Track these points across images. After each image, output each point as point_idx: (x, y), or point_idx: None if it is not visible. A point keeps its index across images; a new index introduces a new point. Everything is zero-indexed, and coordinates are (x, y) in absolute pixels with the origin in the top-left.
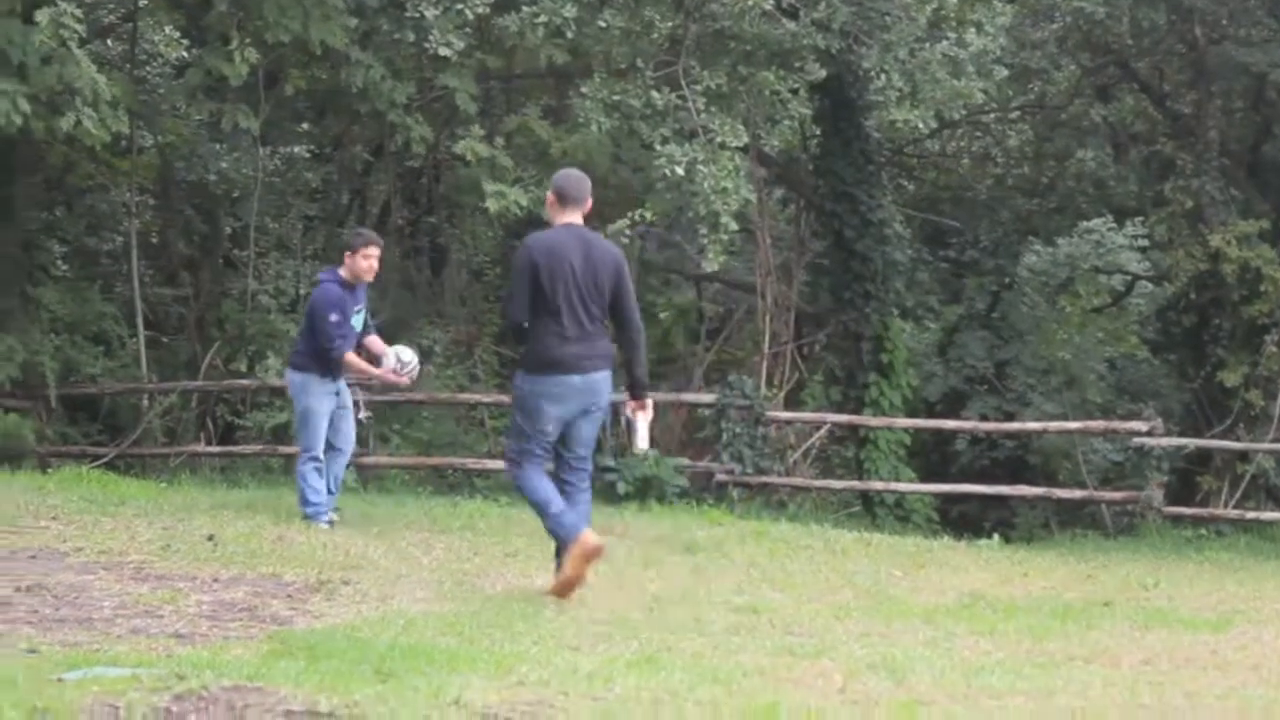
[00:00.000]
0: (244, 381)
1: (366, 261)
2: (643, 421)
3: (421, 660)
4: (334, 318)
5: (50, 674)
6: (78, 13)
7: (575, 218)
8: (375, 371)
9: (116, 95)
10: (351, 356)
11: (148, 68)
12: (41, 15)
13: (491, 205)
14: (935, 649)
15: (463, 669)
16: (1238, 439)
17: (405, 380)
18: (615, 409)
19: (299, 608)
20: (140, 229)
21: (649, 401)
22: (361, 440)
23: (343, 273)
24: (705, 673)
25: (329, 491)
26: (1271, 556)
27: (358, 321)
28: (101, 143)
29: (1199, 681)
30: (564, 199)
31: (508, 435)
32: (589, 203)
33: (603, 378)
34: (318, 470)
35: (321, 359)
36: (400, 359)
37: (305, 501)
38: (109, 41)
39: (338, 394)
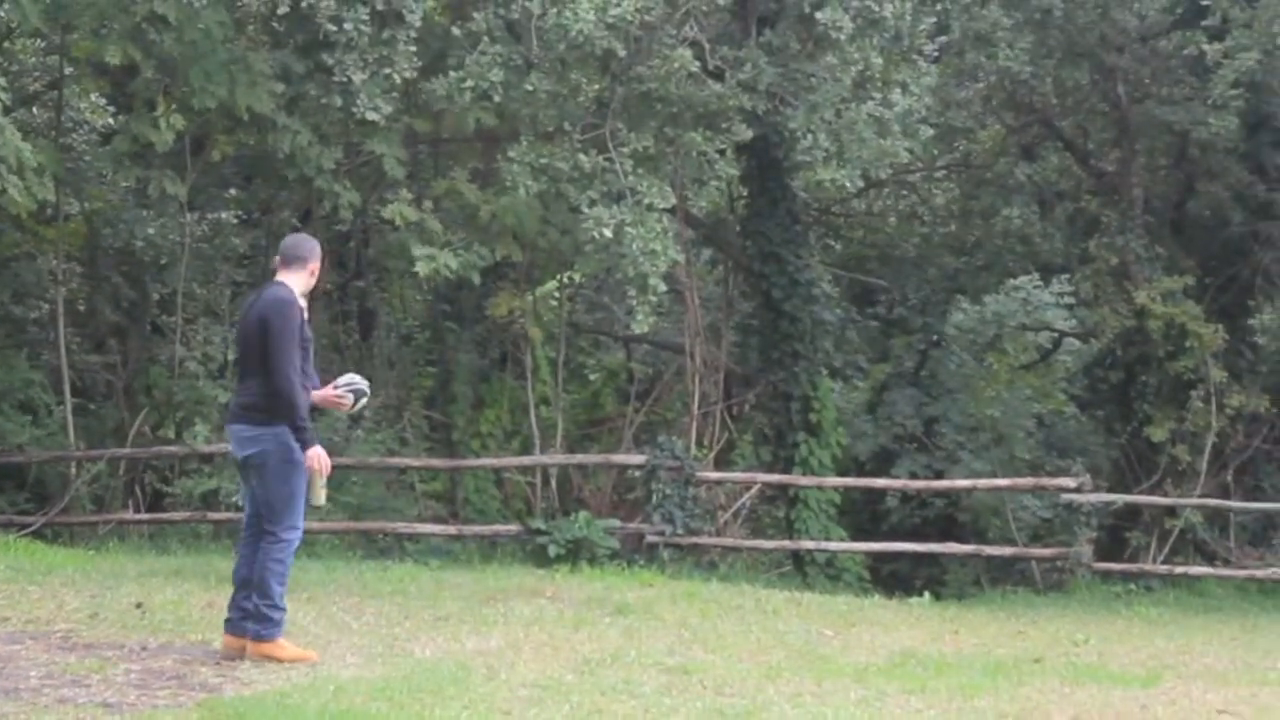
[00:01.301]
0: (172, 448)
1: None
2: (314, 475)
3: None
4: None
5: None
6: (2, 81)
7: (288, 276)
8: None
9: (42, 163)
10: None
11: (74, 135)
12: None
13: (421, 269)
14: (866, 708)
15: None
16: (1165, 494)
17: (346, 401)
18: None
19: (228, 675)
20: (67, 296)
21: (310, 454)
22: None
23: None
24: None
25: None
26: (1200, 611)
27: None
28: (27, 210)
29: None
30: (281, 259)
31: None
32: (309, 263)
33: (240, 429)
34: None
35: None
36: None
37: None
38: (34, 109)
39: None
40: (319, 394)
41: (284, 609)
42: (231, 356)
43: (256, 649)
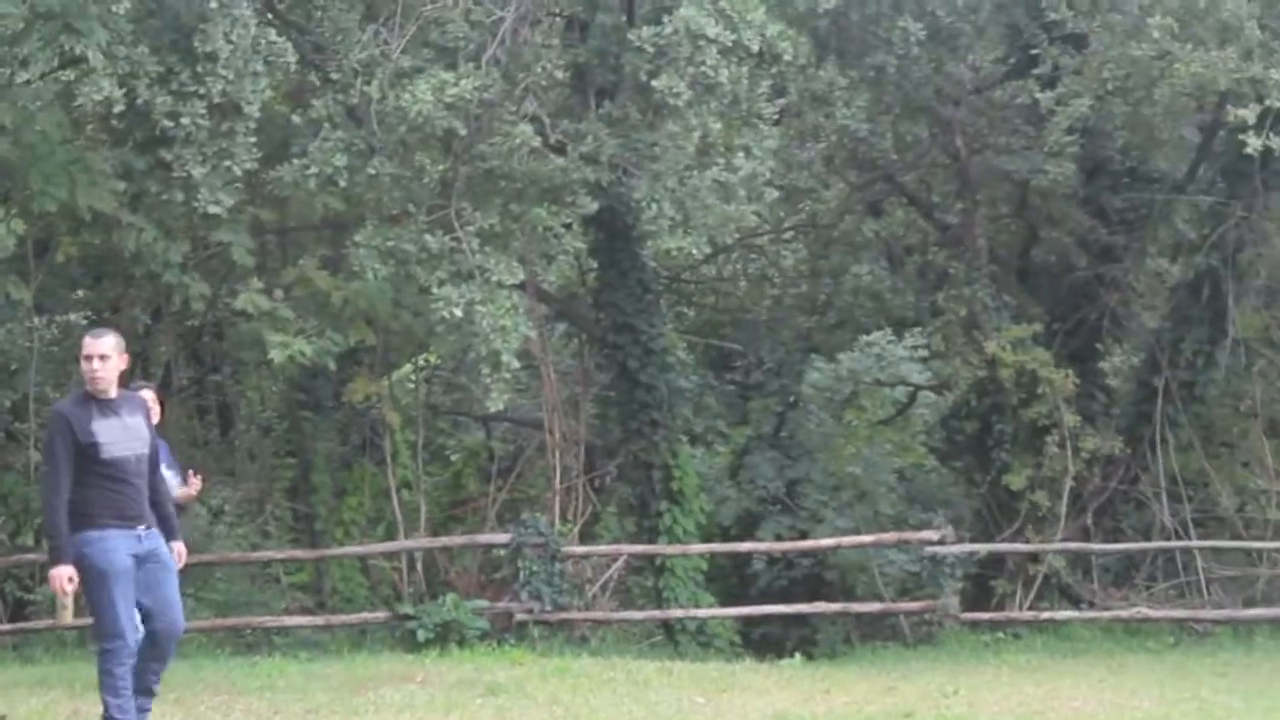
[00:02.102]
0: (31, 556)
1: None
2: (55, 593)
3: None
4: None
5: None
6: None
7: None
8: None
9: None
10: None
11: None
12: None
13: (276, 356)
14: None
15: None
16: (1027, 541)
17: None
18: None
19: None
20: None
21: (51, 574)
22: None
23: None
24: None
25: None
26: (1067, 655)
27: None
28: None
29: None
30: None
31: None
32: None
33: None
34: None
35: None
36: None
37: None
38: None
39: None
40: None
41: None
42: None
43: None
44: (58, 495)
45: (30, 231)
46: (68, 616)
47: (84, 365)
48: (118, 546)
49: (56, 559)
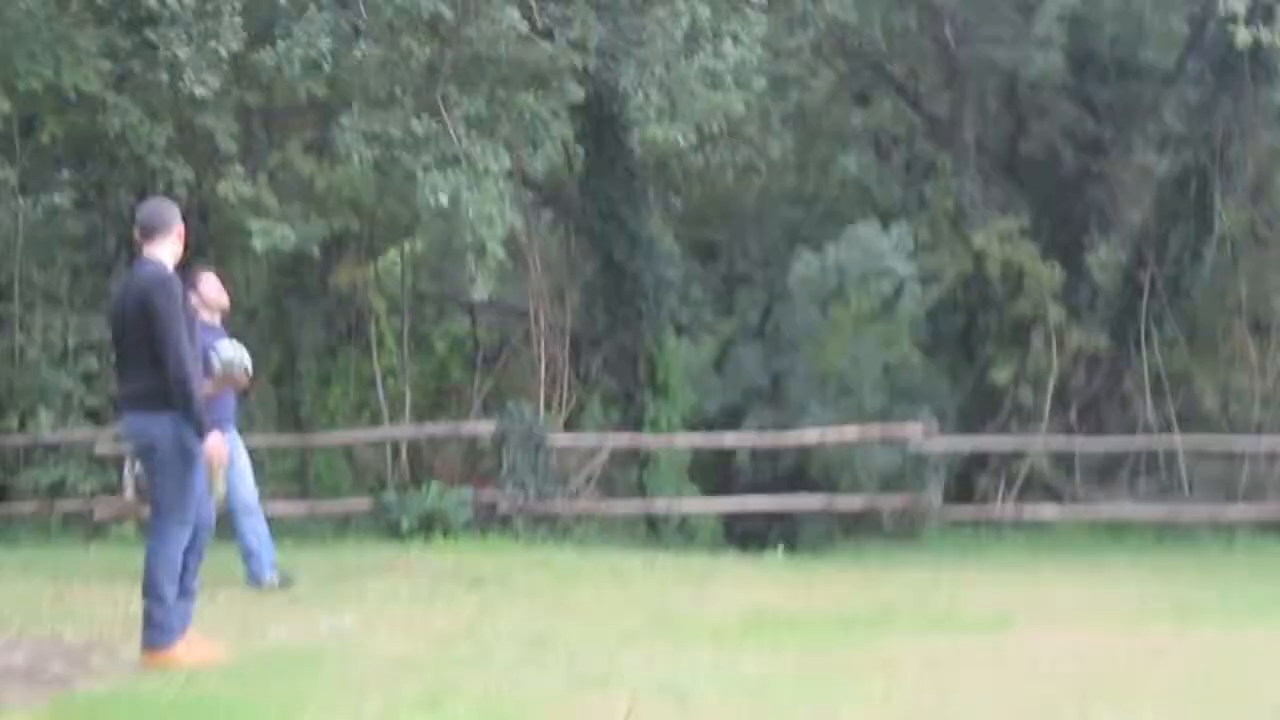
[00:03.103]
0: (15, 439)
1: (215, 292)
2: (212, 466)
3: (205, 714)
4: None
5: None
6: None
7: (155, 249)
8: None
9: None
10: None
11: None
12: None
13: (258, 244)
14: (721, 670)
15: (247, 719)
16: (1012, 436)
17: (242, 379)
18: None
19: (79, 668)
20: None
21: (209, 445)
22: (140, 492)
23: (204, 315)
24: (491, 709)
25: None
26: (1049, 553)
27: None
28: None
29: (980, 682)
30: (141, 231)
31: None
32: (173, 228)
33: (129, 420)
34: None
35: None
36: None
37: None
38: None
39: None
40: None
41: (179, 612)
42: (76, 341)
43: (150, 659)
44: (192, 359)
45: (15, 111)
46: (223, 489)
47: (178, 245)
48: None
49: (206, 428)
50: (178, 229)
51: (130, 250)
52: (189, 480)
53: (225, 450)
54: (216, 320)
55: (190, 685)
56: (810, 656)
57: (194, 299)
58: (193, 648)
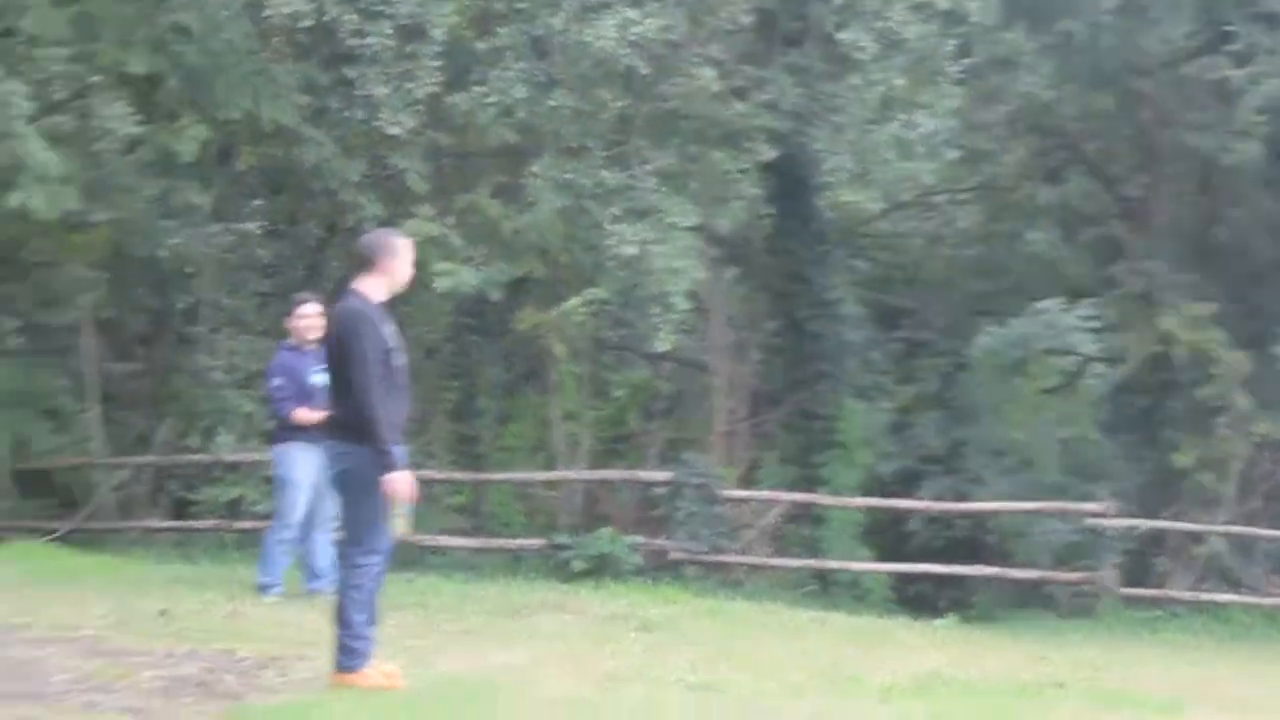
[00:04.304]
0: (197, 457)
1: (303, 321)
2: (395, 502)
3: None
4: (276, 382)
5: None
6: (26, 90)
7: (365, 281)
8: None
9: (67, 172)
10: (302, 412)
11: (99, 144)
12: None
13: (440, 284)
14: None
15: None
16: (1191, 521)
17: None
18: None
19: (252, 684)
20: (93, 304)
21: (388, 480)
22: None
23: (292, 339)
24: None
25: (320, 569)
26: (1226, 638)
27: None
28: (52, 219)
29: None
30: (358, 261)
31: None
32: (386, 261)
33: (330, 446)
34: (282, 543)
35: (285, 426)
36: None
37: (265, 571)
38: (60, 118)
39: (321, 468)
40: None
41: (368, 637)
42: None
43: (339, 680)
44: (381, 395)
45: (213, 139)
46: (404, 526)
47: (393, 278)
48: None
49: (390, 464)
50: (391, 264)
51: (317, 279)
52: (382, 511)
53: (410, 488)
54: (310, 347)
55: (361, 708)
56: None
57: (288, 326)
58: (377, 673)
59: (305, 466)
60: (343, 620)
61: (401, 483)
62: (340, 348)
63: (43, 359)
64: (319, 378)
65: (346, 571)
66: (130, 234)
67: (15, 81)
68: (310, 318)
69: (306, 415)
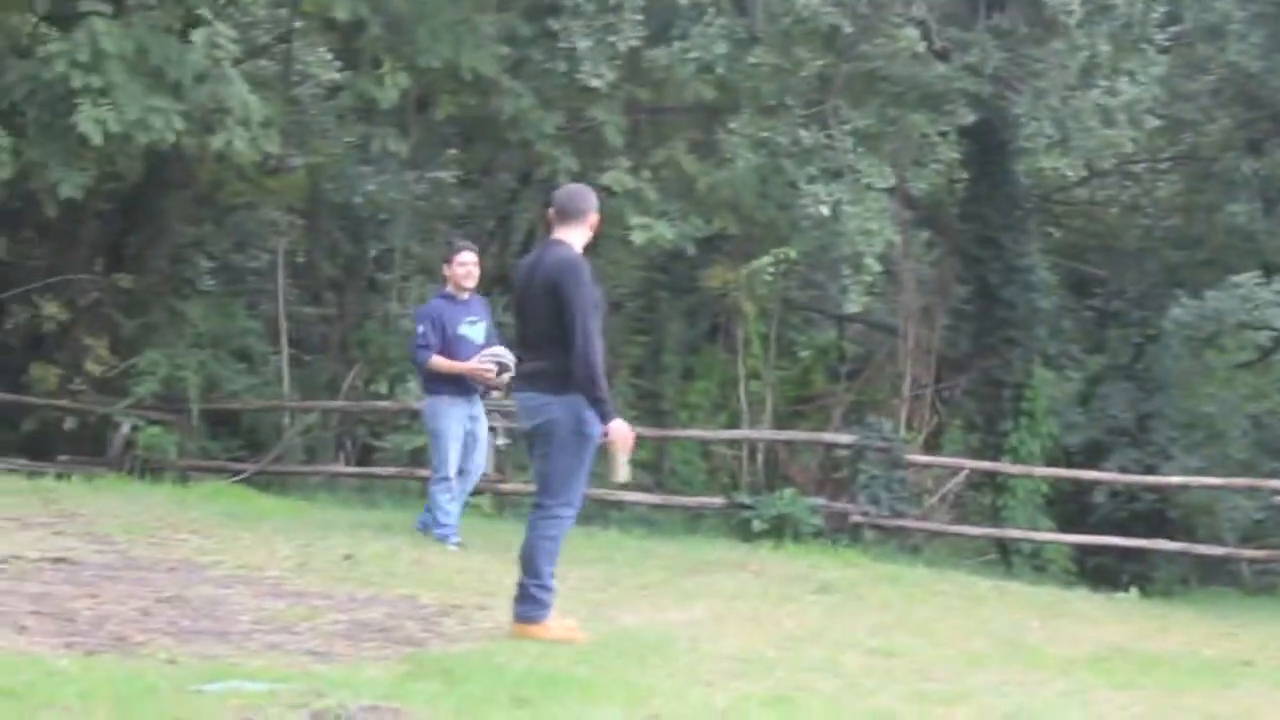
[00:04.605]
0: (384, 403)
1: (462, 269)
2: (616, 451)
3: (557, 688)
4: (420, 329)
5: (189, 685)
6: (232, 33)
7: (567, 232)
8: (463, 367)
9: (268, 115)
10: (439, 360)
11: (300, 89)
12: (197, 35)
13: (637, 238)
14: (1072, 701)
15: (597, 699)
16: None
17: (490, 370)
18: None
19: (434, 630)
20: (287, 248)
21: (611, 429)
22: (499, 467)
23: (448, 287)
24: (840, 715)
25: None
26: None
27: (476, 332)
28: (251, 161)
29: None
30: (556, 213)
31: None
32: (588, 215)
33: (528, 397)
34: (448, 492)
35: (442, 375)
36: (494, 354)
37: (436, 523)
38: (263, 62)
39: (472, 418)
40: (463, 365)
41: (553, 589)
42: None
43: (520, 630)
44: (600, 344)
45: (412, 87)
46: (624, 474)
47: (590, 232)
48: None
49: (610, 413)
50: (591, 218)
51: (507, 231)
52: (582, 464)
53: (630, 436)
54: (465, 297)
55: (542, 660)
56: (1163, 698)
57: (445, 273)
58: (558, 625)
59: (455, 417)
60: (532, 569)
61: (623, 431)
62: (552, 295)
63: (235, 300)
64: (468, 329)
65: (542, 521)
66: (326, 179)
67: (221, 23)
68: (469, 265)
69: (441, 364)
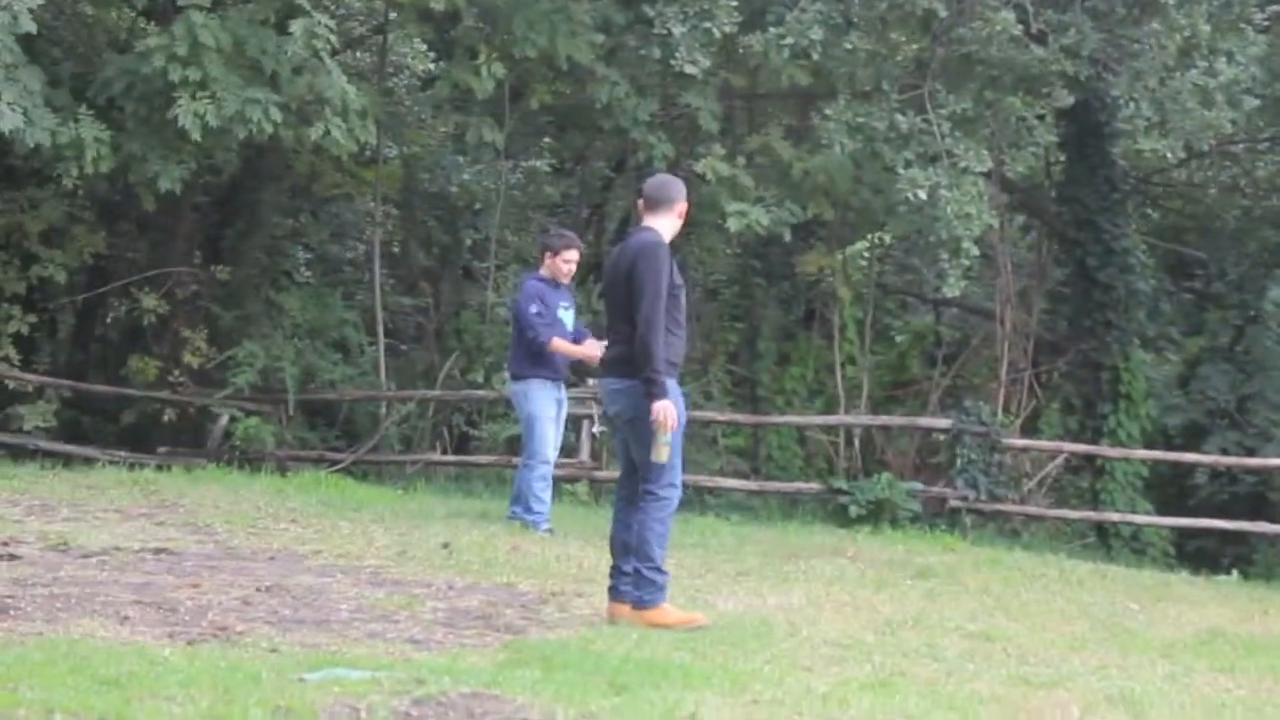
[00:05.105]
0: (480, 392)
1: (566, 265)
2: (656, 429)
3: (656, 675)
4: (534, 308)
5: (292, 674)
6: (330, 24)
7: (654, 220)
8: (580, 351)
9: (365, 106)
10: (559, 342)
11: (395, 79)
12: (295, 26)
13: (733, 224)
14: (1174, 684)
15: (696, 685)
16: None
17: (596, 354)
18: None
19: (532, 618)
20: (382, 238)
21: (656, 407)
22: (595, 455)
23: (543, 272)
24: (940, 699)
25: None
26: None
27: (567, 318)
28: (348, 152)
29: None
30: (645, 202)
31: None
32: (675, 204)
33: (609, 382)
34: (544, 478)
35: (535, 359)
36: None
37: (527, 509)
38: (359, 53)
39: (559, 402)
40: (579, 348)
41: (666, 572)
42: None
43: (640, 617)
44: (662, 326)
45: (507, 77)
46: (664, 454)
47: (678, 221)
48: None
49: (657, 392)
50: (680, 207)
51: (601, 219)
52: (675, 445)
53: (674, 416)
54: (560, 285)
55: (640, 646)
56: (1267, 682)
57: (546, 262)
58: (675, 609)
59: (547, 400)
60: (645, 554)
61: (668, 410)
62: (629, 279)
63: (332, 291)
64: (564, 313)
65: (649, 507)
66: (422, 169)
67: (319, 14)
68: (574, 263)
69: (563, 345)
